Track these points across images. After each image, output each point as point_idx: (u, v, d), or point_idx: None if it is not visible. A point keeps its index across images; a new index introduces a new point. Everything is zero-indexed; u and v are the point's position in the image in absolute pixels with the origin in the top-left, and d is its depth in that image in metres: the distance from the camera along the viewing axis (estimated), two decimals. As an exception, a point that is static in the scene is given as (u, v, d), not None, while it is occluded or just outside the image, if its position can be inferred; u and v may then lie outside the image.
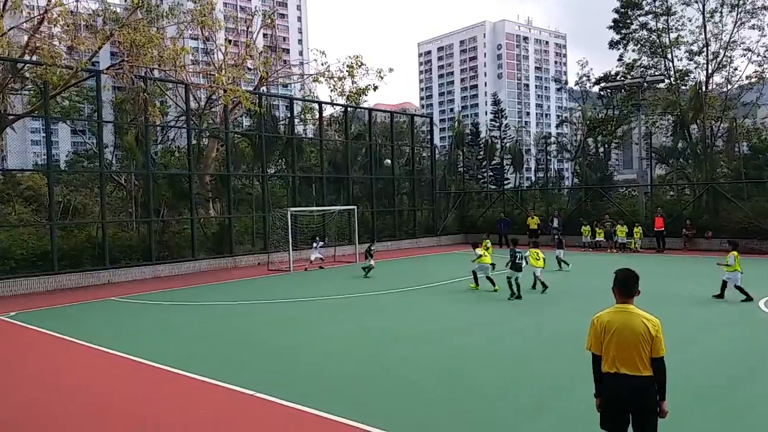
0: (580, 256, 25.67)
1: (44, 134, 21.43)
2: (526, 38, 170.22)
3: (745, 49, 31.76)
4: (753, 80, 32.26)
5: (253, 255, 25.53)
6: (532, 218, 30.72)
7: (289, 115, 29.66)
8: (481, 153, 58.03)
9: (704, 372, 8.40)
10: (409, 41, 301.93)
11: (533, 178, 59.77)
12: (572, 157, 42.59)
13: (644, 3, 35.05)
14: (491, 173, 57.31)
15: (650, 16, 34.95)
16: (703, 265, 22.36)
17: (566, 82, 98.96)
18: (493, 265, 16.61)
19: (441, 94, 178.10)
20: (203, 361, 9.65)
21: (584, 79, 42.06)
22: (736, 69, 33.20)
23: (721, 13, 32.05)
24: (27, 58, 20.62)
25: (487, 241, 20.79)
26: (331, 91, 29.14)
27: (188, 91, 24.36)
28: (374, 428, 6.45)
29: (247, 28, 31.43)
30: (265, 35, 35.13)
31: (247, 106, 24.02)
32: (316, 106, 31.06)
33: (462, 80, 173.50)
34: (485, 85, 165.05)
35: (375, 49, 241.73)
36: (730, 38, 31.99)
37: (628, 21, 36.48)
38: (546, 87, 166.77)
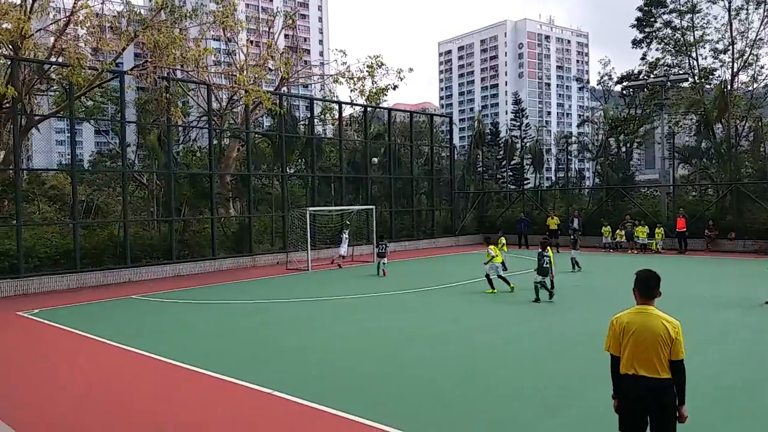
0: (601, 257, 25.45)
1: (69, 134, 21.79)
2: (547, 37, 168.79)
3: (772, 47, 31.22)
4: (780, 79, 31.69)
5: (272, 254, 25.70)
6: (552, 218, 30.49)
7: (309, 116, 29.80)
8: (501, 153, 57.73)
9: (724, 373, 8.28)
10: (430, 41, 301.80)
11: (553, 178, 59.29)
12: (593, 157, 42.16)
13: (669, 1, 34.60)
14: (511, 173, 56.98)
15: (674, 14, 34.56)
16: (725, 267, 22.03)
17: (588, 81, 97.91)
18: (504, 264, 16.45)
19: (461, 94, 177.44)
20: (221, 359, 9.75)
21: (606, 78, 41.69)
22: (762, 67, 32.74)
23: (747, 10, 31.54)
24: (53, 59, 21.01)
25: (503, 239, 20.69)
26: (351, 91, 29.27)
27: (210, 92, 24.60)
28: (391, 428, 6.45)
29: (269, 29, 31.65)
30: (286, 36, 35.33)
31: (268, 106, 24.18)
32: (336, 106, 31.16)
33: (482, 80, 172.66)
34: (506, 85, 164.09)
35: (395, 49, 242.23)
36: (756, 36, 31.50)
37: (652, 19, 36.09)
38: (567, 86, 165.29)
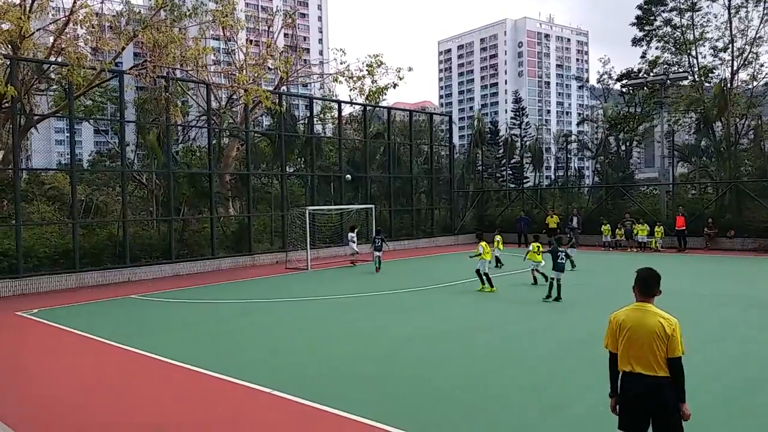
0: (600, 256, 25.45)
1: (68, 134, 21.77)
2: (547, 36, 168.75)
3: (772, 46, 31.23)
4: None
5: (271, 253, 25.68)
6: (552, 217, 30.50)
7: (308, 115, 29.77)
8: (501, 151, 57.78)
9: (724, 373, 8.28)
10: (429, 40, 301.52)
11: (553, 177, 59.34)
12: (593, 156, 42.18)
13: (668, -1, 34.60)
14: (510, 172, 57.02)
15: (674, 13, 34.51)
16: (724, 265, 22.04)
17: (587, 80, 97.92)
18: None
19: (461, 93, 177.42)
20: (221, 358, 9.74)
21: (606, 76, 41.66)
22: (762, 65, 32.68)
23: (747, 8, 31.53)
24: (52, 59, 20.99)
25: (498, 236, 20.72)
26: (351, 90, 29.25)
27: (209, 91, 24.58)
28: (391, 428, 6.45)
29: (268, 28, 31.61)
30: (285, 35, 35.28)
31: (268, 105, 24.16)
32: (336, 105, 31.13)
33: (482, 78, 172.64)
34: (505, 83, 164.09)
35: (395, 48, 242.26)
36: (756, 34, 31.47)
37: (652, 17, 36.04)
38: (567, 85, 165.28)
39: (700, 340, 9.79)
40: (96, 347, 11.00)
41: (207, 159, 25.06)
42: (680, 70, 34.33)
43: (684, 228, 26.75)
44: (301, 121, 33.20)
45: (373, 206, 26.84)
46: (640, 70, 38.46)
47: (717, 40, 33.15)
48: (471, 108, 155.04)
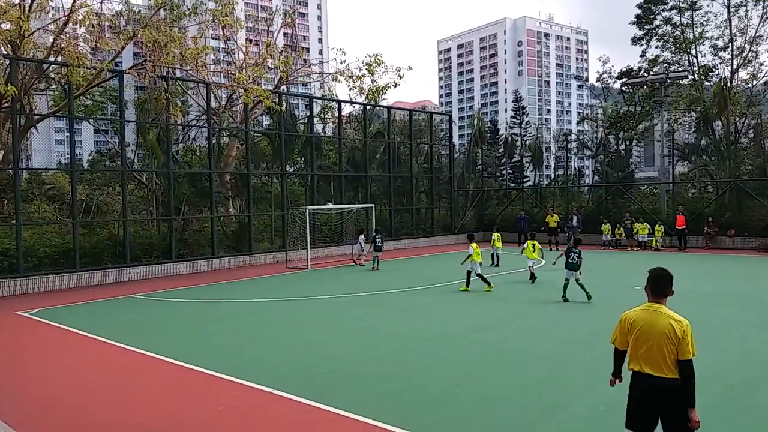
0: (600, 255, 25.42)
1: (68, 134, 21.77)
2: (547, 35, 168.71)
3: (772, 44, 31.27)
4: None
5: (271, 253, 25.69)
6: (552, 216, 30.49)
7: (308, 114, 29.77)
8: (501, 150, 57.78)
9: (725, 372, 8.28)
10: (429, 39, 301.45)
11: (553, 176, 59.31)
12: (593, 155, 42.14)
13: (668, -2, 34.60)
14: (510, 171, 57.01)
15: (674, 11, 34.51)
16: (725, 264, 22.04)
17: (587, 79, 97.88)
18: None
19: (460, 92, 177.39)
20: (221, 358, 9.74)
21: (605, 75, 41.65)
22: (762, 64, 32.68)
23: (747, 7, 31.53)
24: (52, 58, 20.98)
25: (496, 235, 20.74)
26: (350, 89, 29.25)
27: (209, 91, 24.57)
28: (391, 427, 6.46)
29: (268, 28, 31.60)
30: (285, 34, 35.31)
31: (268, 105, 24.16)
32: (336, 104, 31.13)
33: (482, 77, 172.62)
34: (505, 83, 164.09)
35: (395, 47, 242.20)
36: (756, 33, 31.46)
37: (652, 16, 36.04)
38: (567, 84, 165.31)
39: (701, 339, 9.73)
40: (96, 347, 11.01)
41: (207, 158, 25.05)
42: (680, 68, 34.33)
43: (684, 227, 26.76)
44: (301, 121, 33.19)
45: (373, 206, 26.85)
46: (639, 69, 38.48)
47: (717, 39, 33.18)
48: (471, 107, 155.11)
